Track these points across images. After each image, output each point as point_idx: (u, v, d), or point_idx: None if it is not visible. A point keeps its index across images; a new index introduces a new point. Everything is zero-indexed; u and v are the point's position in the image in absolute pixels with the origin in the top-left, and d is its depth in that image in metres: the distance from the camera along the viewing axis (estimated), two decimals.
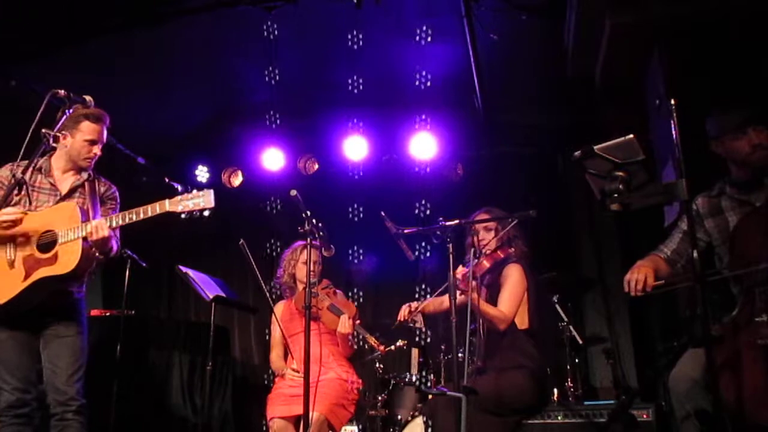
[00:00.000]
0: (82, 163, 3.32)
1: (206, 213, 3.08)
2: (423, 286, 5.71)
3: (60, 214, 3.16)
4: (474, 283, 3.26)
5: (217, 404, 5.33)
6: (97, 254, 3.17)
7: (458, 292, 3.27)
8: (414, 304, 3.64)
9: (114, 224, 3.10)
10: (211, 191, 3.07)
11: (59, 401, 3.12)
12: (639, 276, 2.79)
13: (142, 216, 3.08)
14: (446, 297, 3.61)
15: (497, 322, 3.33)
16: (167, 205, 3.07)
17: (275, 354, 4.21)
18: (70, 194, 3.30)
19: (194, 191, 3.07)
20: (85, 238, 3.08)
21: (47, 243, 3.12)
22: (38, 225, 3.15)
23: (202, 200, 3.05)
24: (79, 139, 3.27)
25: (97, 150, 3.33)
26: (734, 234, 2.81)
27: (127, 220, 3.10)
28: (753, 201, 2.85)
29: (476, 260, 3.42)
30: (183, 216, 3.08)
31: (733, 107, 2.91)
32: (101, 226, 3.06)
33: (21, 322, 3.17)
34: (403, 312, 3.61)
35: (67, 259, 3.07)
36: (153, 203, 3.08)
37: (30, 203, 3.25)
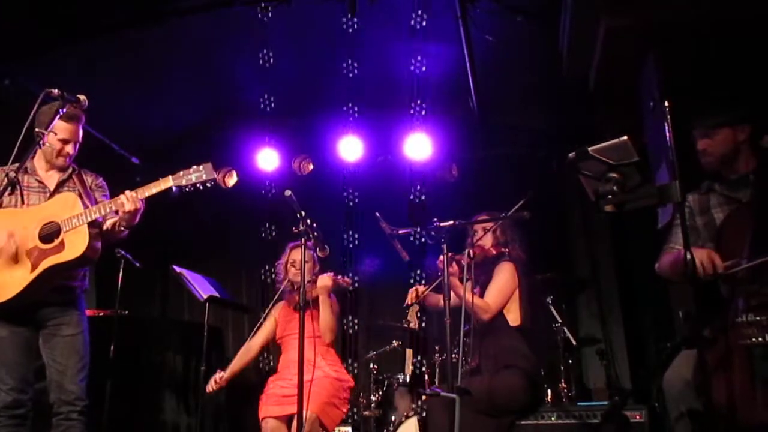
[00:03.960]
0: (57, 161, 3.33)
1: (208, 185, 3.21)
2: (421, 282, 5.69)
3: (60, 205, 3.18)
4: (458, 271, 3.27)
5: (210, 404, 5.32)
6: (122, 229, 3.20)
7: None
8: (421, 288, 3.64)
9: (140, 196, 3.14)
10: (209, 164, 3.20)
11: (65, 401, 3.10)
12: (707, 259, 2.58)
13: (146, 194, 3.15)
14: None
15: (480, 312, 3.34)
16: (171, 181, 3.16)
17: (253, 343, 4.18)
18: (58, 189, 3.31)
19: (193, 166, 3.19)
20: (91, 224, 3.09)
21: (50, 233, 3.12)
22: (38, 218, 3.15)
23: (204, 173, 3.18)
24: (52, 137, 3.26)
25: (69, 149, 3.32)
26: (720, 231, 2.82)
27: (147, 195, 3.16)
28: (741, 198, 2.85)
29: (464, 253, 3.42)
30: (187, 189, 3.19)
31: (708, 110, 2.95)
32: (133, 198, 3.10)
33: (22, 319, 3.15)
34: (411, 295, 3.61)
35: (75, 244, 3.08)
36: (156, 180, 3.17)
37: (22, 202, 3.24)
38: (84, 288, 3.36)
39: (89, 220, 3.10)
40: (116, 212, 3.13)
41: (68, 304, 3.24)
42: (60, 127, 3.25)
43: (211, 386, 4.07)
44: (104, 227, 3.24)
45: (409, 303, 3.64)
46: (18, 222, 3.15)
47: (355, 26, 5.03)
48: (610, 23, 4.14)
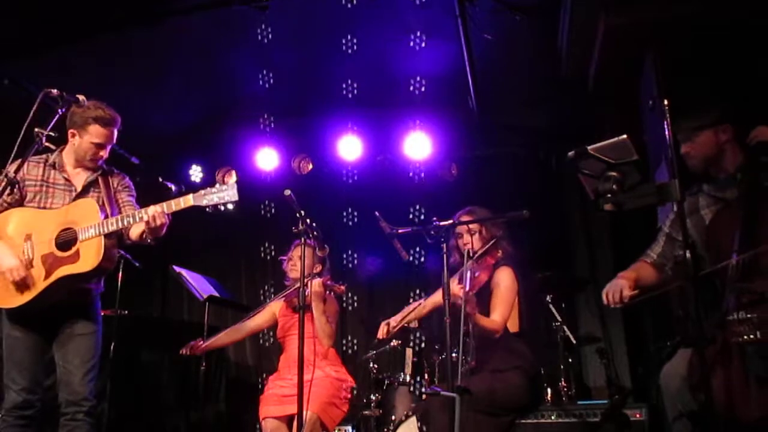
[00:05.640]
0: (88, 164, 3.31)
1: (230, 207, 3.10)
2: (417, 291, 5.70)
3: (79, 211, 3.15)
4: (473, 297, 3.23)
5: (210, 404, 5.32)
6: (149, 241, 3.17)
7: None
8: (393, 322, 3.63)
9: (166, 210, 3.08)
10: (234, 185, 3.09)
11: (71, 401, 3.09)
12: (615, 288, 2.86)
13: (168, 210, 3.08)
14: (427, 302, 3.62)
15: (492, 332, 3.31)
16: (192, 200, 3.08)
17: (244, 325, 4.16)
18: (85, 190, 3.28)
19: (217, 185, 3.10)
20: (107, 235, 3.07)
21: (67, 241, 3.10)
22: (56, 223, 3.13)
23: (227, 194, 3.07)
24: (87, 140, 3.25)
25: (104, 153, 3.32)
26: (708, 231, 2.84)
27: (173, 209, 3.09)
28: (727, 197, 2.87)
29: (470, 273, 3.37)
30: (208, 210, 3.11)
31: (687, 114, 2.96)
32: (161, 214, 3.05)
33: (37, 321, 3.14)
34: (382, 330, 3.62)
35: (89, 256, 3.06)
36: (177, 198, 3.10)
37: (22, 201, 3.23)
38: (99, 291, 3.34)
39: (106, 231, 3.06)
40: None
41: (83, 306, 3.22)
42: (96, 132, 3.23)
43: (186, 350, 4.04)
44: (132, 237, 3.21)
45: (381, 338, 3.63)
46: (36, 224, 3.13)
47: (355, 32, 5.03)
48: (609, 22, 4.15)
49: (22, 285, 3.06)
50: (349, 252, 6.17)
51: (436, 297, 3.47)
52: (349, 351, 5.95)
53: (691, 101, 3.01)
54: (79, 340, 3.16)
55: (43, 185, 3.25)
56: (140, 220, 3.07)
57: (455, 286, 3.18)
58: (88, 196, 3.26)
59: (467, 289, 3.13)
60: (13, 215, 3.17)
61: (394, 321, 3.64)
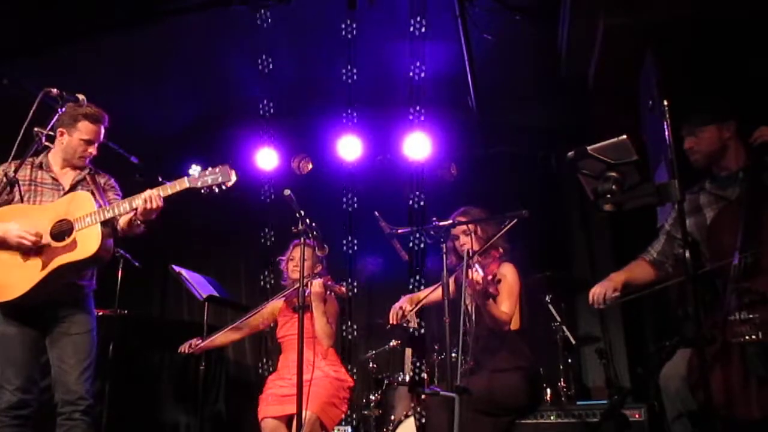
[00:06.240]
0: (77, 161, 3.32)
1: (224, 188, 3.13)
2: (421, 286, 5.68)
3: (73, 203, 3.15)
4: (491, 282, 3.22)
5: (209, 404, 5.32)
6: (139, 224, 3.16)
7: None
8: (406, 307, 3.56)
9: (162, 194, 3.09)
10: (227, 166, 3.11)
11: (68, 400, 3.08)
12: (600, 290, 2.98)
13: (164, 194, 3.09)
14: (439, 289, 3.57)
15: (502, 324, 3.31)
16: (187, 182, 3.09)
17: (243, 324, 4.14)
18: (73, 189, 3.28)
19: (210, 168, 3.11)
20: (104, 223, 3.07)
21: (62, 232, 3.09)
22: (50, 216, 3.13)
23: (221, 176, 3.10)
24: (76, 138, 3.26)
25: (92, 150, 3.33)
26: (710, 230, 2.84)
27: (169, 193, 3.10)
28: (729, 196, 2.87)
29: (477, 266, 3.37)
30: (203, 191, 3.11)
31: (692, 109, 2.97)
32: (156, 197, 3.05)
33: (31, 318, 3.13)
34: (395, 315, 3.53)
35: (87, 244, 3.05)
36: (173, 181, 3.10)
37: (21, 200, 3.23)
38: (93, 288, 3.34)
39: (102, 219, 3.07)
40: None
41: (77, 303, 3.22)
42: (86, 129, 3.25)
43: (185, 347, 4.07)
44: (120, 225, 3.21)
45: (395, 323, 3.53)
46: (30, 219, 3.12)
47: (354, 31, 5.03)
48: (609, 22, 4.15)
49: (19, 277, 3.05)
50: (349, 252, 6.16)
51: (439, 291, 3.45)
52: (349, 337, 5.86)
53: (691, 101, 3.01)
54: (74, 339, 3.16)
55: (31, 185, 3.26)
56: (136, 206, 3.07)
57: (473, 273, 3.14)
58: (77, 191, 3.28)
59: (482, 275, 3.13)
60: (6, 212, 3.17)
61: (408, 308, 3.53)
